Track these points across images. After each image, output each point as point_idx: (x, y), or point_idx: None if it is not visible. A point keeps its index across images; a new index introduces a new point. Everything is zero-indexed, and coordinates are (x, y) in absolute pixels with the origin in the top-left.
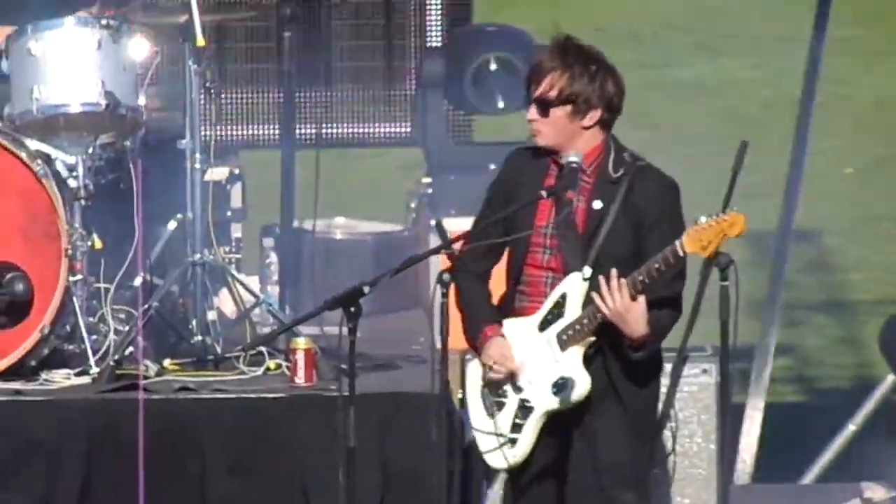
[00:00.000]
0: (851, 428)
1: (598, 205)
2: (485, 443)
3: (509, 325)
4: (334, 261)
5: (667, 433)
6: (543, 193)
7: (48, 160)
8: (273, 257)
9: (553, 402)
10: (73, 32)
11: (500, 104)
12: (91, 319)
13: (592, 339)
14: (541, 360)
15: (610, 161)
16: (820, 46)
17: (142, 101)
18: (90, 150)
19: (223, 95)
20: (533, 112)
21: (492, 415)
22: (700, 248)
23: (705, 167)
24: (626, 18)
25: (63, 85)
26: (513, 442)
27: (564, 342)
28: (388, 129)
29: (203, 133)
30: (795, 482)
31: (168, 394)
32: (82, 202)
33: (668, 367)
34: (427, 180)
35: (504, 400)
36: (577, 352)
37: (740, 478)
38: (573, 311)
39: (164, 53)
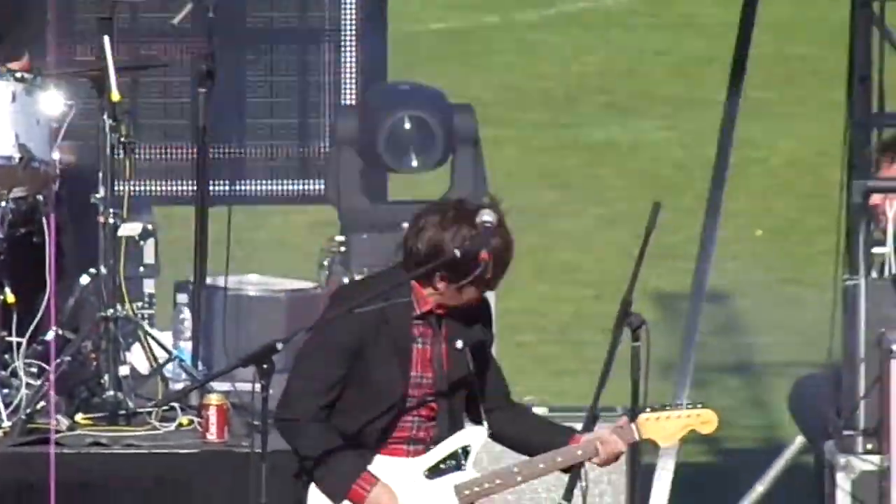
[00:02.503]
0: (759, 489)
1: (460, 344)
2: None
3: (383, 465)
4: (247, 317)
5: (577, 493)
6: (457, 252)
7: None
8: (186, 313)
9: None
10: None
11: (414, 163)
12: (3, 373)
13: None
14: None
15: None
16: (734, 108)
17: (55, 155)
18: (3, 204)
19: (137, 151)
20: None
21: None
22: (661, 437)
23: (619, 228)
24: (539, 79)
25: None
26: None
27: (466, 496)
28: (301, 187)
29: (117, 188)
30: None
31: (80, 448)
32: None
33: (578, 426)
34: (340, 238)
35: None
36: None
37: None
38: (472, 464)
39: (78, 107)
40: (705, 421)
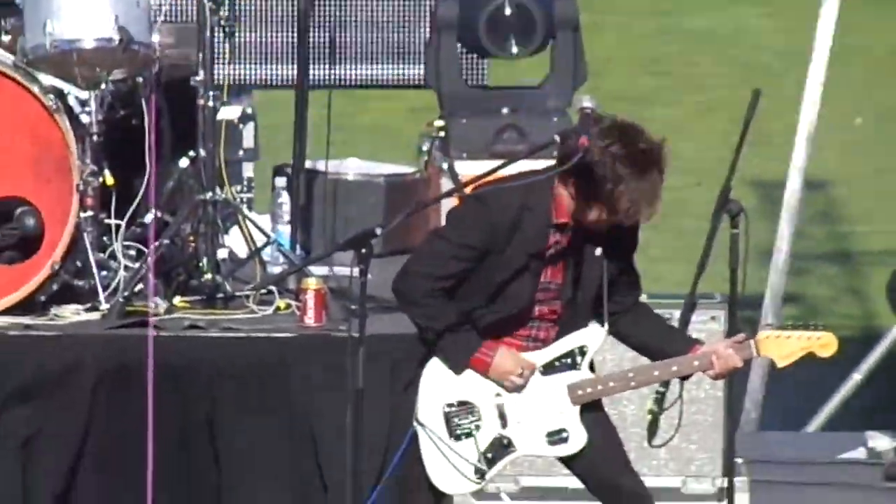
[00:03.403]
0: (857, 378)
1: (598, 251)
2: (439, 464)
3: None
4: (346, 202)
5: (674, 379)
6: (556, 137)
7: (60, 95)
8: (285, 197)
9: (545, 450)
10: None
11: (514, 49)
12: (101, 255)
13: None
14: (538, 404)
15: None
16: None
17: (155, 37)
18: (103, 86)
19: (237, 34)
20: None
21: (457, 438)
22: (778, 356)
23: (717, 115)
24: None
25: (76, 20)
26: (480, 474)
27: (579, 397)
28: (401, 72)
29: (216, 72)
30: (800, 430)
31: (177, 331)
32: (94, 138)
33: (676, 313)
34: (439, 123)
35: (472, 428)
36: (579, 407)
37: (746, 425)
38: (587, 365)
39: None
40: (825, 345)
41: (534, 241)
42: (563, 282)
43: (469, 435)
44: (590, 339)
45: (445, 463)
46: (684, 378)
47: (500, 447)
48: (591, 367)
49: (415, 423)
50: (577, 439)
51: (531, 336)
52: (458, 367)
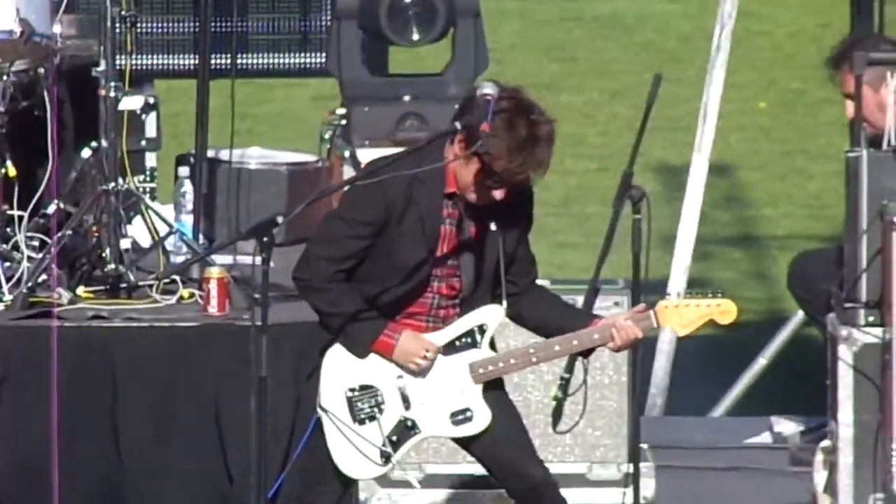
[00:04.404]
0: (762, 362)
1: (493, 227)
2: (344, 449)
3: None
4: (249, 190)
5: (578, 365)
6: (457, 125)
7: None
8: (187, 186)
9: (450, 431)
10: None
11: (415, 36)
12: (4, 247)
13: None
14: (440, 384)
15: None
16: None
17: (56, 28)
18: (4, 78)
19: (139, 24)
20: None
21: (360, 422)
22: (678, 325)
23: (623, 101)
24: None
25: None
26: (385, 458)
27: (480, 375)
28: (303, 60)
29: (118, 61)
30: (706, 416)
31: (81, 321)
32: None
33: (580, 299)
34: (341, 111)
35: (375, 411)
36: (481, 386)
37: (651, 410)
38: (488, 343)
39: None
40: (724, 311)
41: (428, 212)
42: (459, 258)
43: (372, 418)
44: (489, 318)
45: (350, 448)
46: (586, 354)
47: (405, 429)
48: (493, 346)
49: (318, 410)
50: (482, 418)
51: (431, 315)
52: (362, 352)
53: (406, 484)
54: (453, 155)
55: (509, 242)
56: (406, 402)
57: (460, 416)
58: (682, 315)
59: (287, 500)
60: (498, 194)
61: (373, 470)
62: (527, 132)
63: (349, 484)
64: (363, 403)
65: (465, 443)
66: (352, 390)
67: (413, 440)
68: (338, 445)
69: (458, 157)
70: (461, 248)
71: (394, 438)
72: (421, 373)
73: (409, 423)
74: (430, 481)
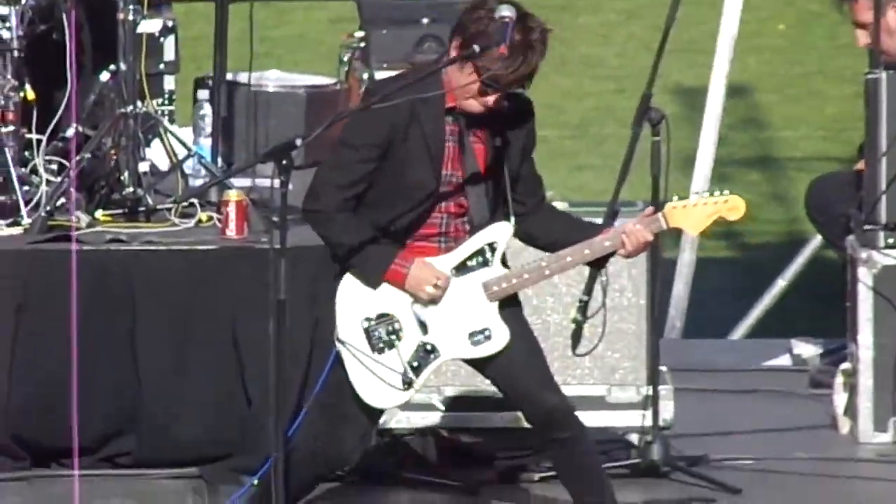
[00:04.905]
0: (781, 284)
1: (498, 142)
2: (365, 379)
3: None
4: (267, 113)
5: (597, 288)
6: (476, 48)
7: None
8: (206, 109)
9: (469, 352)
10: None
11: None
12: (23, 170)
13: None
14: (456, 306)
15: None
16: None
17: None
18: (23, 1)
19: None
20: None
21: (379, 351)
22: (688, 225)
23: (640, 22)
24: None
25: None
26: (407, 384)
27: (495, 293)
28: None
29: None
30: (725, 338)
31: (100, 245)
32: (15, 53)
33: (598, 221)
34: (359, 34)
35: (394, 339)
36: (497, 304)
37: (670, 333)
38: (500, 261)
39: None
40: (732, 207)
41: (432, 129)
42: (464, 174)
43: (391, 346)
44: (498, 235)
45: (372, 377)
46: (600, 264)
47: (424, 353)
48: (505, 263)
49: (336, 343)
50: (500, 336)
51: (442, 234)
52: (373, 282)
53: (424, 407)
54: (447, 59)
55: (513, 159)
56: (423, 326)
57: (479, 336)
58: (691, 214)
59: (310, 437)
60: (490, 100)
61: (396, 397)
62: (521, 37)
63: (373, 417)
64: (380, 332)
65: (481, 367)
66: (368, 320)
67: (433, 364)
68: (359, 376)
69: (452, 61)
70: (466, 165)
71: (414, 364)
72: (434, 302)
73: (429, 347)
74: (448, 404)
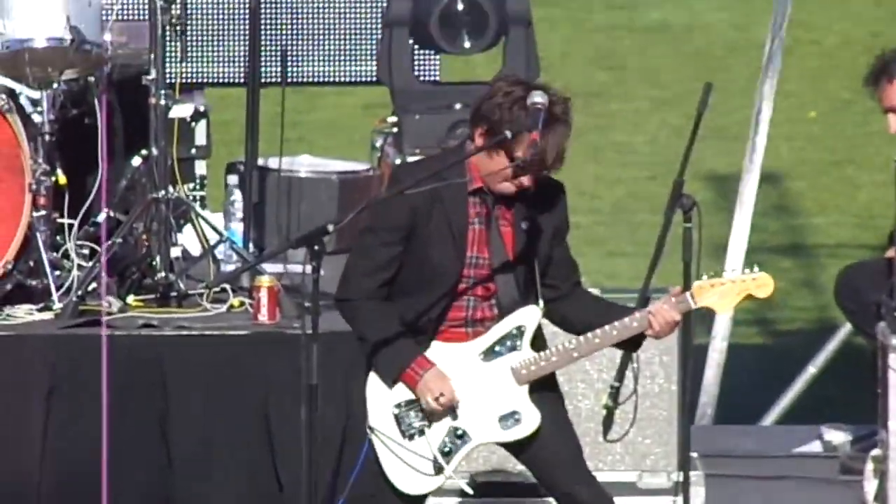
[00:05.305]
0: (812, 371)
1: (525, 225)
2: (397, 467)
3: (440, 351)
4: (299, 198)
5: (629, 374)
6: (508, 134)
7: (12, 95)
8: (237, 195)
9: (500, 436)
10: None
11: (466, 44)
12: (55, 255)
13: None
14: (485, 390)
15: None
16: None
17: (107, 36)
18: (55, 86)
19: (189, 32)
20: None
21: (410, 437)
22: (717, 304)
23: (672, 109)
24: None
25: (28, 19)
26: (438, 469)
27: (524, 376)
28: (354, 68)
29: (168, 70)
30: (755, 424)
31: (131, 330)
32: (46, 137)
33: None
34: (392, 119)
35: (424, 425)
36: (527, 387)
37: (701, 419)
38: (528, 344)
39: None
40: (761, 285)
41: (454, 210)
42: (491, 256)
43: (422, 433)
44: (526, 319)
45: (402, 464)
46: (630, 347)
47: (455, 439)
48: (534, 347)
49: (367, 431)
50: (531, 420)
51: (469, 318)
52: (389, 382)
53: (455, 493)
54: (475, 147)
55: (543, 243)
56: (453, 412)
57: (509, 420)
58: (719, 293)
59: None
60: (525, 181)
61: (428, 483)
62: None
63: None
64: (411, 418)
65: (515, 452)
66: (398, 406)
67: (465, 449)
68: (390, 463)
69: (480, 148)
70: (493, 248)
71: (445, 449)
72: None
73: (459, 433)
74: (480, 490)
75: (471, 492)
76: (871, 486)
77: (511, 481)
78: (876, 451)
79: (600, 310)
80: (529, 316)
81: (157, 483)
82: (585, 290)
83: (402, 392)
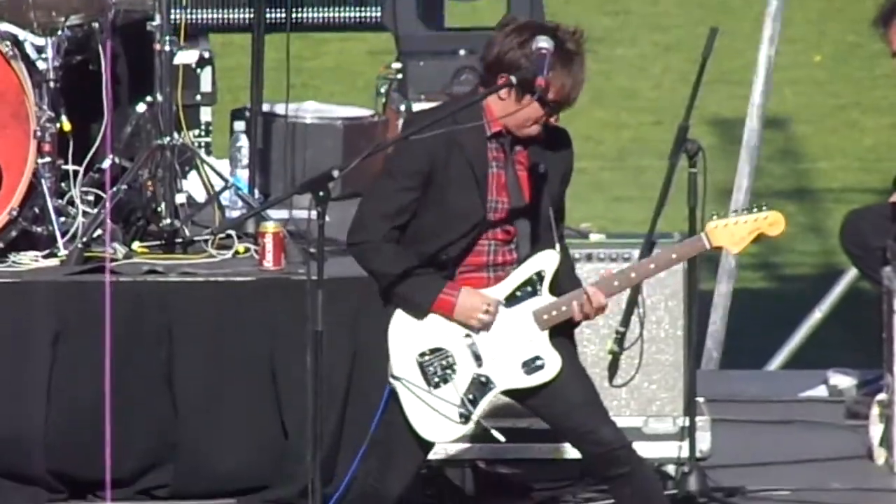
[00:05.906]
0: (817, 315)
1: (542, 168)
2: (422, 414)
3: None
4: (304, 145)
5: (634, 319)
6: (513, 79)
7: (16, 42)
8: (243, 141)
9: (524, 381)
10: None
11: None
12: (60, 202)
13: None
14: (508, 336)
15: None
16: None
17: None
18: (59, 32)
19: None
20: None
21: (435, 385)
22: (730, 243)
23: (676, 54)
24: None
25: None
26: (465, 417)
27: (545, 321)
28: (359, 13)
29: (173, 16)
30: (761, 369)
31: (136, 276)
32: (51, 84)
33: (636, 253)
34: (397, 65)
35: (449, 372)
36: (547, 332)
37: (707, 364)
38: (548, 289)
39: None
40: (773, 223)
41: (475, 155)
42: (510, 200)
43: (446, 380)
44: (545, 264)
45: (429, 412)
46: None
47: (480, 386)
48: (552, 290)
49: (391, 379)
50: (553, 364)
51: (490, 263)
52: (422, 312)
53: (461, 438)
54: (489, 90)
55: (554, 186)
56: (477, 358)
57: (532, 365)
58: (732, 233)
59: (361, 475)
60: (544, 119)
61: (454, 431)
62: (558, 56)
63: (423, 454)
64: (435, 366)
65: (530, 400)
66: (422, 355)
67: (489, 395)
68: (416, 412)
69: (491, 91)
70: (511, 191)
71: (470, 397)
72: (484, 327)
73: (484, 379)
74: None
75: (502, 438)
76: (876, 430)
77: (517, 426)
78: (881, 396)
79: (564, 271)
80: (548, 260)
81: (162, 429)
82: (567, 252)
83: (425, 340)
